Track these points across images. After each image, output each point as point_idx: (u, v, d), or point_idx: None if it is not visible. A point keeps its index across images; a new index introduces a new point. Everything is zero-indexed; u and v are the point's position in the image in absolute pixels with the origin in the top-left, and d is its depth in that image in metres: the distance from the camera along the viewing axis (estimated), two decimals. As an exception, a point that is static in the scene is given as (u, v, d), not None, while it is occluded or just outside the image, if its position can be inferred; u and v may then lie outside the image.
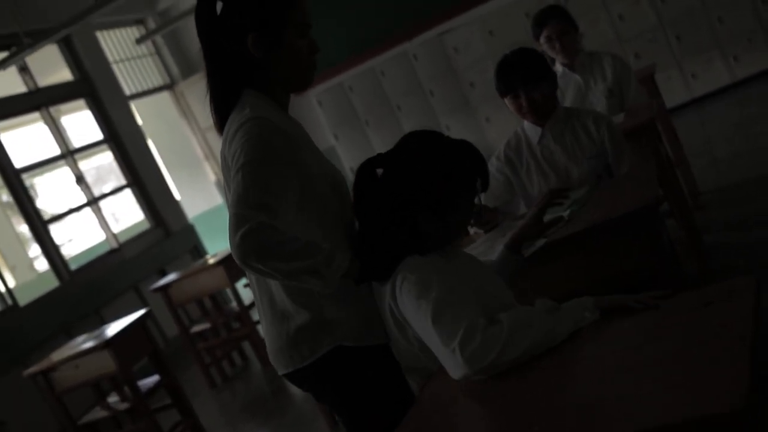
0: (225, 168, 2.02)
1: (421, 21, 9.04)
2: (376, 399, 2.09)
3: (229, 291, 6.34)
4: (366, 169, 2.07)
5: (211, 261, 6.25)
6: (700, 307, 1.61)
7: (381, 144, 9.30)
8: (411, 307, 1.89)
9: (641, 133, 3.62)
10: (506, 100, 3.16)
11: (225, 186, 2.06)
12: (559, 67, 4.33)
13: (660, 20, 8.22)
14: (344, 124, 9.35)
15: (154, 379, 5.11)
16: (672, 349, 1.50)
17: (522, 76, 3.07)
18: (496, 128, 8.85)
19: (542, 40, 4.28)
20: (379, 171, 2.07)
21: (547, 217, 2.43)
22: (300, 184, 1.97)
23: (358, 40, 9.29)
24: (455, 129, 9.03)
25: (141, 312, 5.24)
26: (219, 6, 2.04)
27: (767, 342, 1.50)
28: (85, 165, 11.16)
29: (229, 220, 1.87)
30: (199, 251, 8.75)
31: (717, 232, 4.62)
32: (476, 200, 2.08)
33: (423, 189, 1.99)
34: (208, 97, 2.12)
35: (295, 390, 5.48)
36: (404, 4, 9.08)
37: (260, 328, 6.20)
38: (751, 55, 8.00)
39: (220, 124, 2.11)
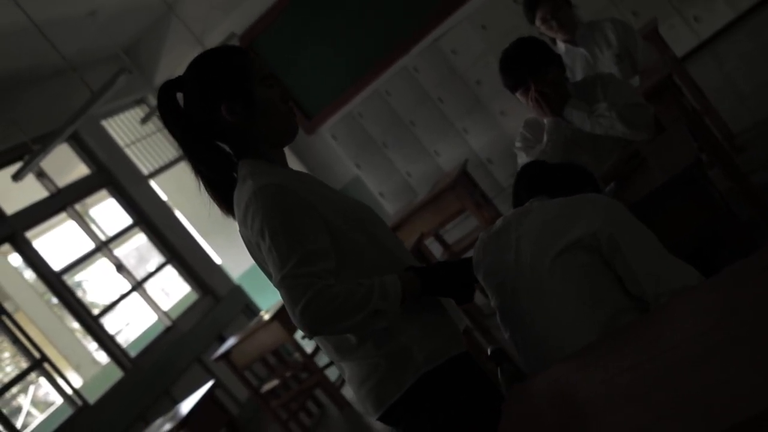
0: (253, 248, 1.99)
1: (413, 32, 8.98)
2: (474, 413, 2.00)
3: (289, 344, 6.28)
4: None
5: (266, 317, 6.20)
6: (763, 271, 1.51)
7: (404, 162, 9.24)
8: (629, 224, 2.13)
9: (661, 93, 3.51)
10: (518, 95, 3.07)
11: (259, 265, 2.03)
12: (561, 45, 4.23)
13: (650, -28, 8.08)
14: (363, 151, 9.29)
15: (236, 448, 5.07)
16: (751, 322, 1.39)
17: (528, 66, 2.99)
18: (512, 120, 8.73)
19: (537, 22, 4.18)
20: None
21: None
22: (329, 238, 1.92)
23: (356, 65, 9.25)
24: (473, 130, 8.93)
25: (208, 385, 5.21)
26: (180, 97, 2.04)
27: None
28: (125, 249, 11.25)
29: (282, 296, 1.84)
30: (252, 309, 8.73)
31: (762, 170, 4.48)
32: None
33: None
34: (201, 189, 2.08)
35: (378, 426, 5.41)
36: (392, 19, 9.02)
37: (331, 372, 6.15)
38: (750, -15, 7.82)
39: (226, 207, 2.08)
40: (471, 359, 2.05)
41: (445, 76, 8.88)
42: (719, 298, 1.58)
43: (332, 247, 1.91)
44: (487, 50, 8.60)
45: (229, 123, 2.00)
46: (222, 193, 2.06)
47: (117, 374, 7.27)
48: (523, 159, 3.11)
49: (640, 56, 4.11)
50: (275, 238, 1.85)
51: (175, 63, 9.34)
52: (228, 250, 10.14)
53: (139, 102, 9.63)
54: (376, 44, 9.11)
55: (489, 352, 2.24)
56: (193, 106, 2.02)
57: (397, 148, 9.25)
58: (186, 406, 5.01)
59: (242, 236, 2.01)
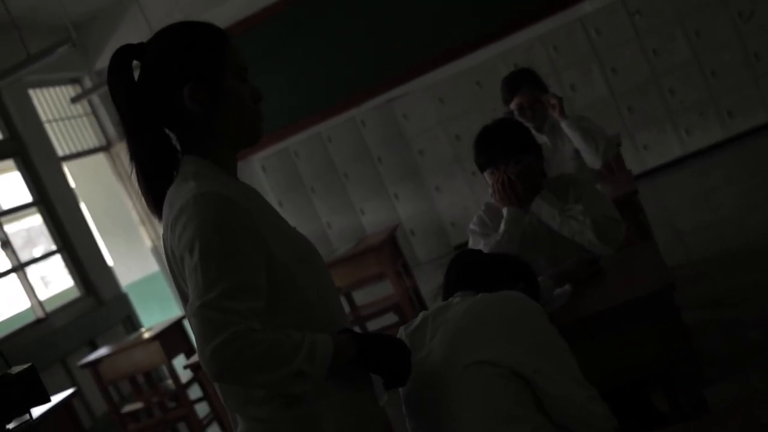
0: (173, 259, 1.67)
1: (370, 87, 8.83)
2: None
3: (164, 368, 5.87)
4: None
5: (147, 335, 5.79)
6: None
7: (327, 212, 9.00)
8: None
9: (621, 206, 3.37)
10: (485, 175, 2.89)
11: (174, 279, 1.71)
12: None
13: (611, 92, 8.15)
14: (290, 190, 9.02)
15: (80, 468, 4.62)
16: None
17: (504, 148, 2.81)
18: (445, 198, 8.63)
19: (513, 106, 4.07)
20: None
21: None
22: (266, 272, 1.64)
23: (305, 104, 9.03)
24: (404, 198, 8.77)
25: (67, 392, 4.76)
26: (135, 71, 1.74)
27: None
28: (14, 227, 10.61)
29: (194, 327, 1.54)
30: (132, 323, 8.22)
31: (690, 310, 4.39)
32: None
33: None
34: (133, 176, 1.77)
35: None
36: (353, 69, 8.88)
37: (201, 408, 5.74)
38: (703, 129, 7.97)
39: (154, 204, 1.76)
40: None
41: (390, 138, 8.74)
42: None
43: (268, 282, 1.63)
44: (438, 124, 8.52)
45: (187, 109, 1.70)
46: (155, 187, 1.75)
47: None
48: (475, 243, 2.91)
49: (602, 148, 3.96)
50: (205, 257, 1.55)
51: (121, 51, 8.93)
52: (123, 255, 9.65)
53: (73, 81, 9.17)
54: (331, 88, 8.92)
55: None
56: (151, 80, 1.72)
57: (324, 196, 9.01)
58: (36, 410, 4.54)
59: (164, 242, 1.70)
